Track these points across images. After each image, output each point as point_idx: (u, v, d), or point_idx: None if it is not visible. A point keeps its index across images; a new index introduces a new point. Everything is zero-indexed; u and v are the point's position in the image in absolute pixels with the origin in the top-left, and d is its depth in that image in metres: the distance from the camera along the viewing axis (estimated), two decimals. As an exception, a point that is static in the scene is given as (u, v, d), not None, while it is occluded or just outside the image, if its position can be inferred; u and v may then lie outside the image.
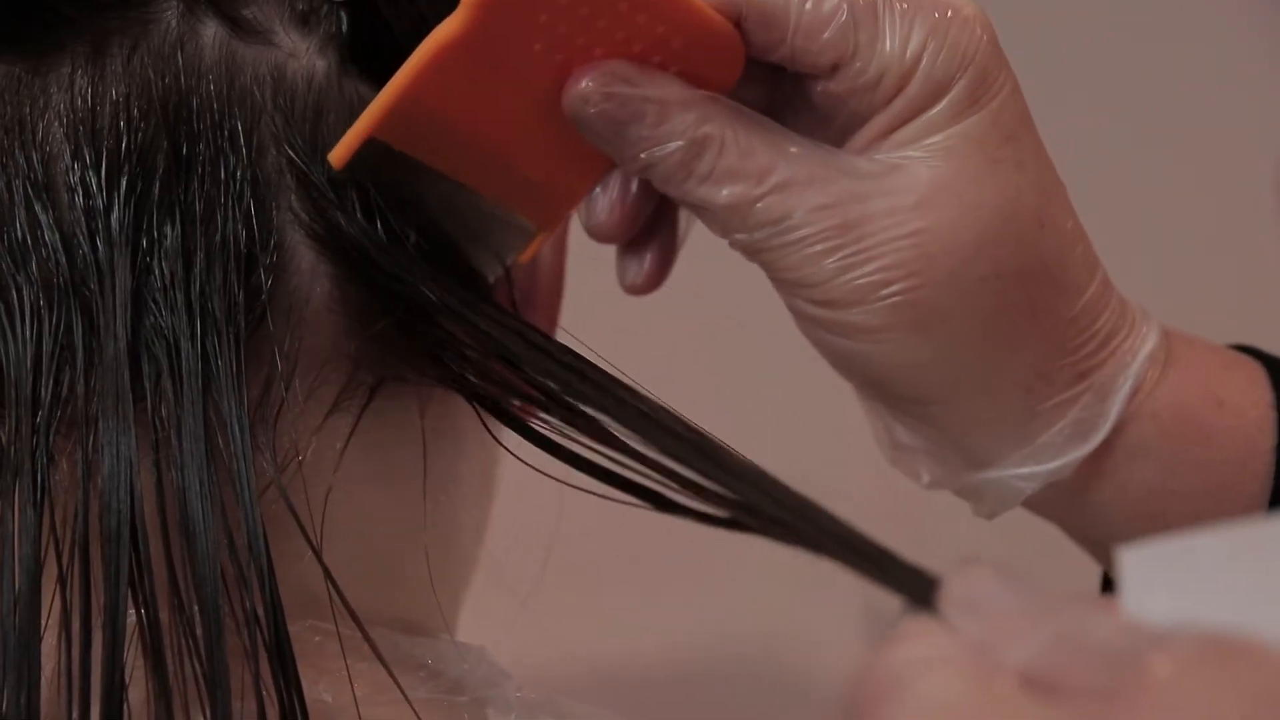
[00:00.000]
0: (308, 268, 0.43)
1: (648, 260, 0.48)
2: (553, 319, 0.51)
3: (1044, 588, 0.31)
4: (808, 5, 0.42)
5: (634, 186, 0.46)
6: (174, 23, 0.43)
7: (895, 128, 0.43)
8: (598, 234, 0.47)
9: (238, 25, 0.43)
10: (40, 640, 0.40)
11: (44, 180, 0.42)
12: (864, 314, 0.43)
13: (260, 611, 0.40)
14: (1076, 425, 0.45)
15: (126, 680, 0.39)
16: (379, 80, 0.44)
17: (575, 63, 0.42)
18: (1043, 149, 0.45)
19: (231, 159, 0.42)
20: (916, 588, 0.33)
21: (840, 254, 0.42)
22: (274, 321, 0.42)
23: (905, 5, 0.42)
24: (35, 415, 0.41)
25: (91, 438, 0.40)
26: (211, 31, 0.43)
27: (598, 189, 0.46)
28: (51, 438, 0.41)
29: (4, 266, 0.41)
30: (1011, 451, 0.46)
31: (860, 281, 0.42)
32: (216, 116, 0.42)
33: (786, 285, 0.44)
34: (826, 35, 0.42)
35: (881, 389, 0.46)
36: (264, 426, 0.42)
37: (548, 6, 0.40)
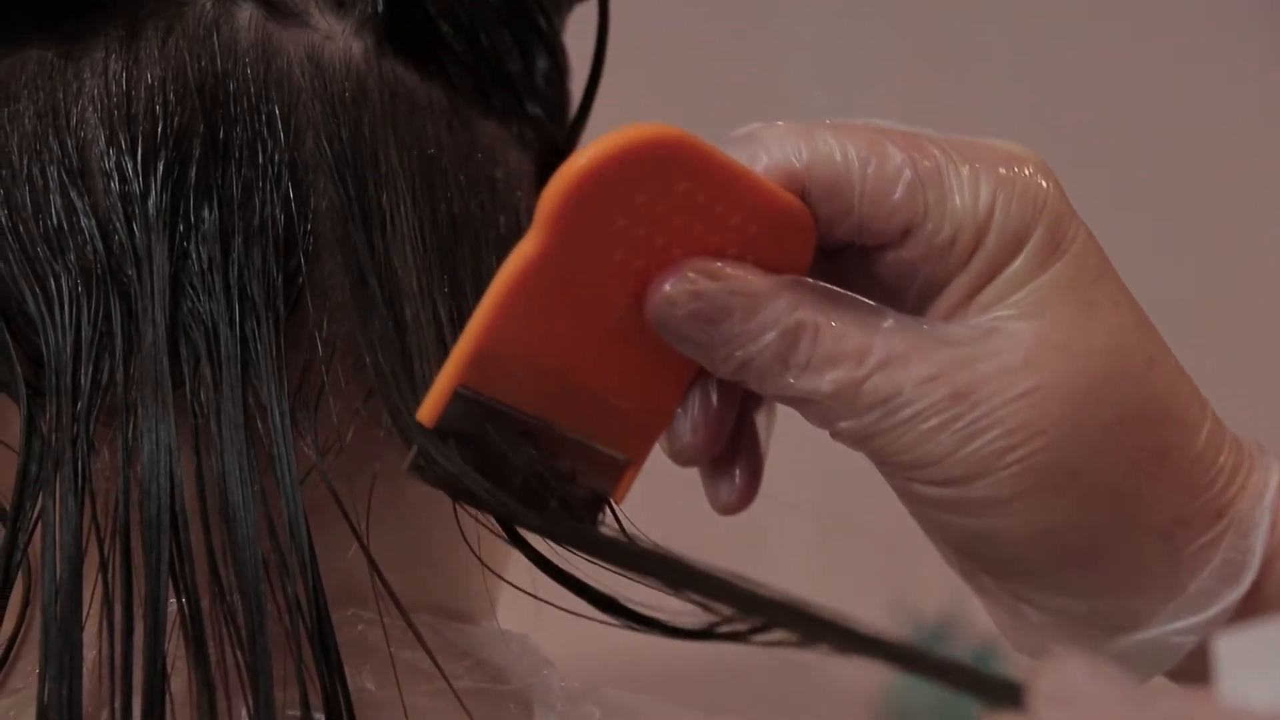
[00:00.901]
0: (330, 254, 0.43)
1: (738, 476, 0.44)
2: None
3: (1136, 678, 0.30)
4: (870, 169, 0.40)
5: (714, 400, 0.43)
6: (209, 6, 0.42)
7: (978, 289, 0.41)
8: (683, 457, 0.44)
9: (273, 7, 0.43)
10: (82, 630, 0.39)
11: (79, 166, 0.41)
12: (990, 485, 0.40)
13: (302, 598, 0.40)
14: (1225, 566, 0.42)
15: (168, 669, 0.39)
16: (416, 61, 0.44)
17: (654, 267, 0.40)
18: (1126, 287, 0.42)
19: (269, 143, 0.42)
20: (1001, 693, 0.32)
21: (957, 425, 0.40)
22: (312, 305, 0.42)
23: (969, 160, 0.41)
24: (75, 403, 0.40)
25: (131, 425, 0.40)
26: (247, 14, 0.42)
27: (678, 410, 0.43)
28: (92, 426, 0.40)
29: (41, 254, 0.41)
30: (1161, 606, 0.43)
31: (983, 451, 0.40)
32: (254, 100, 0.42)
33: (901, 469, 0.41)
34: (896, 197, 0.40)
35: (1012, 566, 0.42)
36: (304, 411, 0.42)
37: (625, 209, 0.38)
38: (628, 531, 0.41)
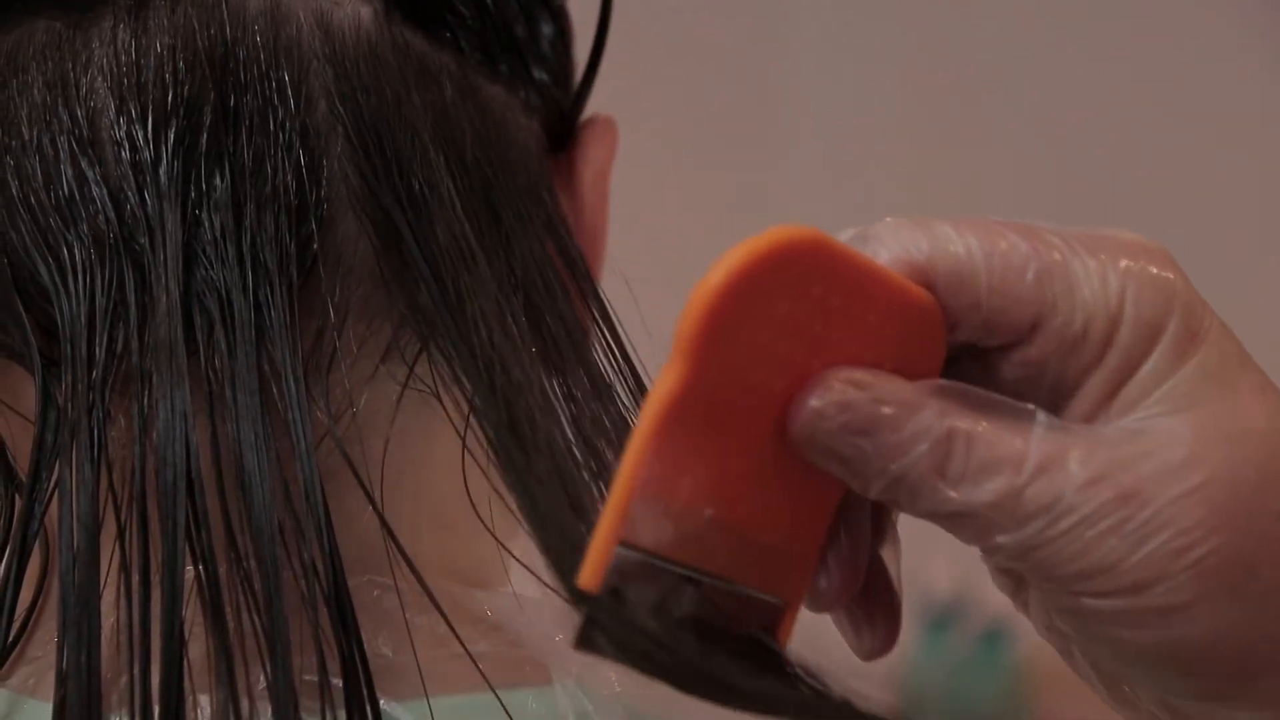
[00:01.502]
0: (355, 217, 0.43)
1: (879, 620, 0.42)
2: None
3: None
4: (995, 259, 0.38)
5: (844, 538, 0.41)
6: None
7: (1117, 387, 0.38)
8: (823, 603, 0.41)
9: None
10: (100, 597, 0.39)
11: (89, 136, 0.41)
12: (1169, 591, 0.37)
13: (319, 562, 0.40)
14: None
15: (186, 636, 0.39)
16: (424, 27, 0.44)
17: (795, 384, 0.37)
18: (1261, 368, 0.40)
19: (280, 111, 0.42)
20: None
21: (1127, 528, 0.37)
22: (326, 271, 0.42)
23: (1093, 251, 0.38)
24: (91, 372, 0.40)
25: (146, 393, 0.40)
26: None
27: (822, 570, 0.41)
28: (108, 395, 0.40)
29: (53, 224, 0.41)
30: None
31: (1157, 554, 0.37)
32: (263, 67, 0.42)
33: (1066, 581, 0.38)
34: (1023, 287, 0.38)
35: (1195, 677, 0.39)
36: (317, 377, 0.42)
37: (766, 322, 0.36)
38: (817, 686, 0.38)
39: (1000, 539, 0.37)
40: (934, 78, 1.61)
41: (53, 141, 0.41)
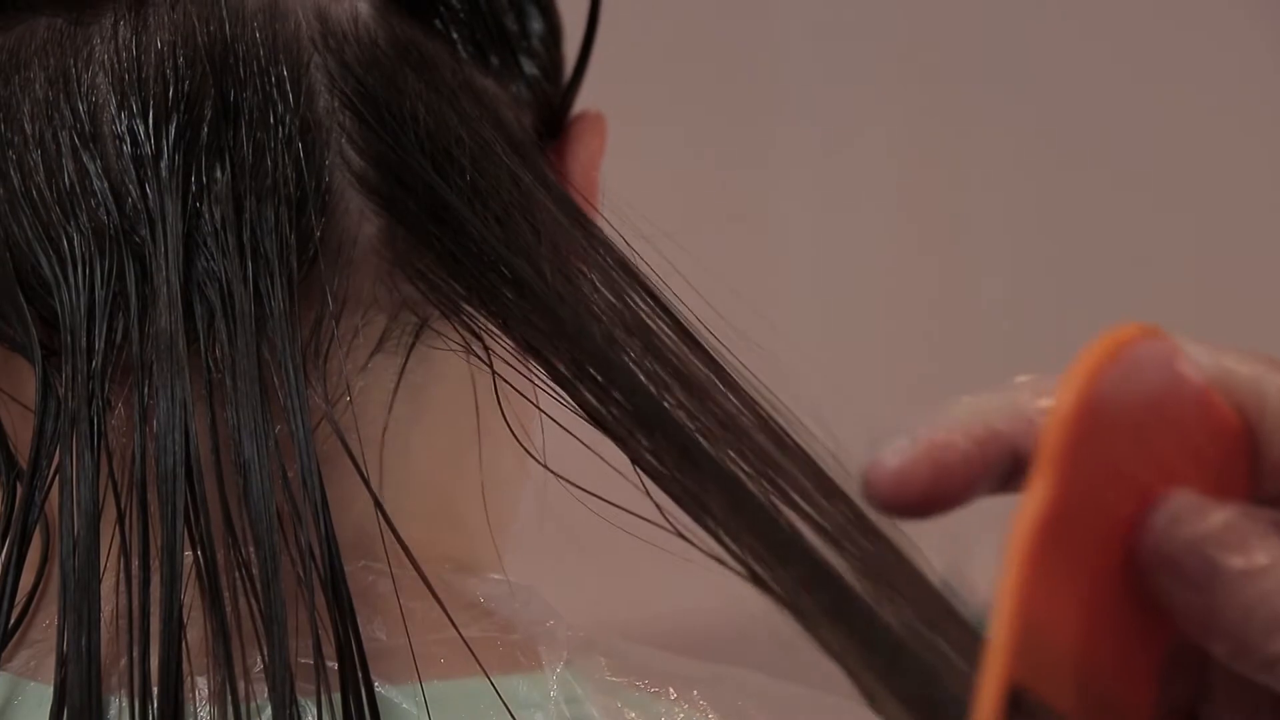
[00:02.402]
0: (355, 209, 0.44)
1: None
2: None
3: None
4: None
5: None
6: None
7: None
8: None
9: None
10: (100, 583, 0.40)
11: (91, 130, 0.42)
12: None
13: (315, 547, 0.40)
14: None
15: (184, 619, 0.40)
16: (420, 20, 0.45)
17: (1140, 504, 0.33)
18: None
19: (279, 105, 0.42)
20: None
21: None
22: (325, 261, 0.43)
23: None
24: (91, 362, 0.41)
25: (147, 382, 0.41)
26: None
27: None
28: (108, 384, 0.41)
29: (54, 217, 0.42)
30: None
31: None
32: (263, 63, 0.42)
33: None
34: None
35: None
36: (314, 365, 0.43)
37: (1123, 431, 0.32)
38: None
39: None
40: (934, 77, 1.61)
41: (54, 136, 0.42)
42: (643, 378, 0.40)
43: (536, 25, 0.49)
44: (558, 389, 0.41)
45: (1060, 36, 1.55)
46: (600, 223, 0.49)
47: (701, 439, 0.39)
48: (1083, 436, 0.31)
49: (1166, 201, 1.49)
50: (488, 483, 0.49)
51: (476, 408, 0.47)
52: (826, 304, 1.54)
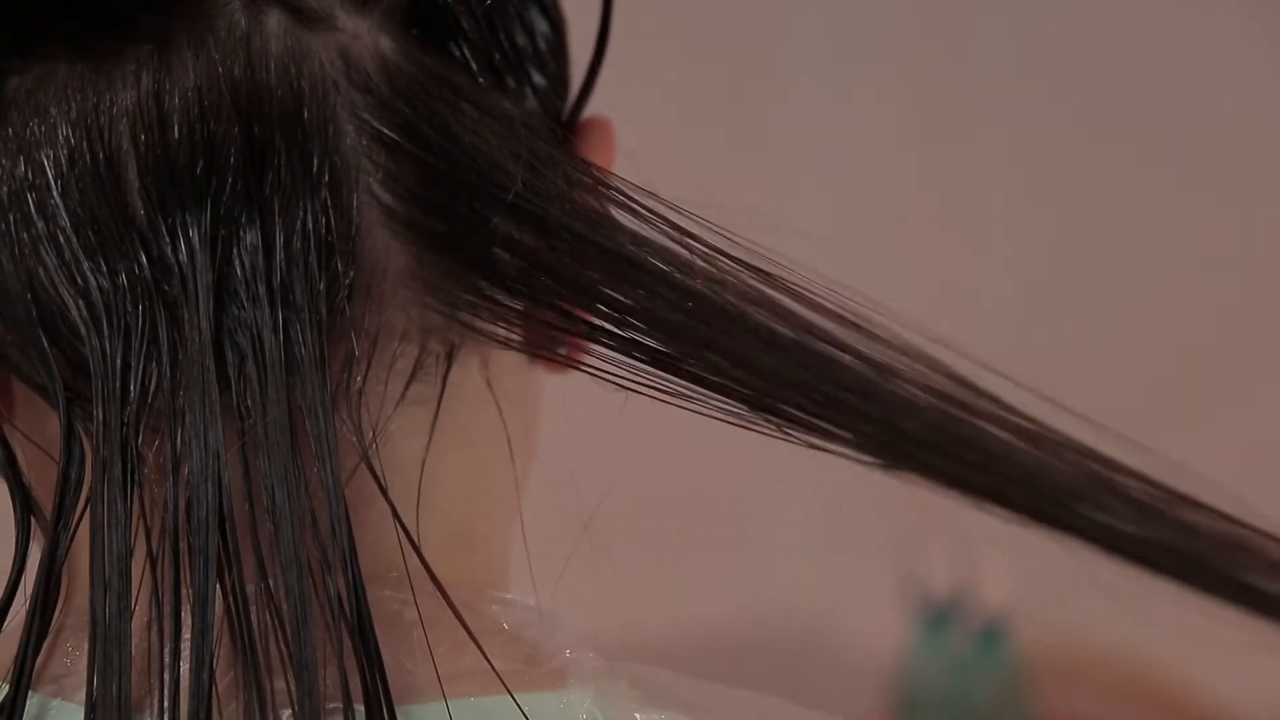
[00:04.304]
0: (383, 245, 0.44)
1: None
2: None
3: None
4: None
5: None
6: (238, 15, 0.43)
7: None
8: None
9: (300, 13, 0.43)
10: (130, 627, 0.40)
11: (114, 178, 0.42)
12: None
13: (343, 592, 0.41)
14: None
15: (215, 667, 0.40)
16: (440, 48, 0.45)
17: None
18: None
19: (307, 148, 0.42)
20: None
21: None
22: (356, 302, 0.43)
23: None
24: (124, 410, 0.41)
25: (179, 430, 0.41)
26: (275, 21, 0.43)
27: None
28: (141, 433, 0.41)
29: (82, 265, 0.42)
30: None
31: None
32: (288, 107, 0.42)
33: None
34: None
35: None
36: (348, 403, 0.43)
37: None
38: None
39: None
40: (933, 81, 1.61)
41: (79, 183, 0.42)
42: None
43: (544, 38, 0.49)
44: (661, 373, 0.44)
45: (1065, 29, 1.55)
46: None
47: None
48: None
49: (1166, 201, 1.49)
50: (505, 503, 0.49)
51: (504, 425, 0.48)
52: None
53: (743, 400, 0.45)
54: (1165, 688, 1.44)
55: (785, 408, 0.45)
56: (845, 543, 1.48)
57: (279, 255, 0.42)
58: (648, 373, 0.45)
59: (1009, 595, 1.55)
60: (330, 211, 0.42)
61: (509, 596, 0.48)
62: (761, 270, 0.45)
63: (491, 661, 0.43)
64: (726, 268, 0.45)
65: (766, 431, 0.45)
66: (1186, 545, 0.41)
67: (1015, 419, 0.47)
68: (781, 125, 1.62)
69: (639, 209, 0.46)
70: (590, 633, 0.48)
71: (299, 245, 0.42)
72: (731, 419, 0.45)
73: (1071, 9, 1.54)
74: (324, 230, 0.42)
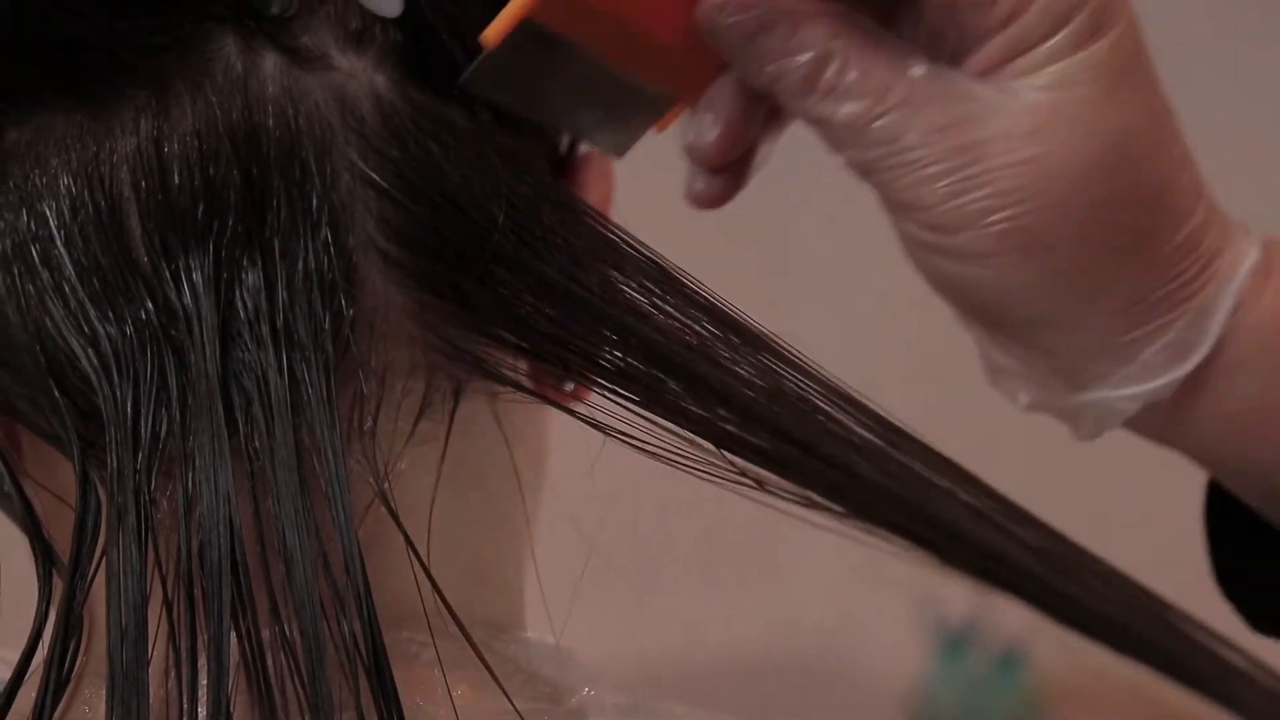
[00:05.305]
0: (384, 285, 0.44)
1: (719, 181, 0.48)
2: None
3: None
4: None
5: (743, 117, 0.47)
6: (234, 59, 0.43)
7: (1013, 55, 0.43)
8: (696, 155, 0.47)
9: (296, 54, 0.43)
10: (148, 674, 0.40)
11: (116, 224, 0.42)
12: (972, 238, 0.43)
13: (358, 634, 0.41)
14: (1177, 345, 0.45)
15: (232, 711, 0.40)
16: (435, 87, 0.45)
17: None
18: (1155, 76, 0.45)
19: (305, 189, 0.42)
20: None
21: (953, 177, 0.42)
22: (360, 341, 0.43)
23: None
24: (136, 457, 0.41)
25: (190, 474, 0.41)
26: (271, 63, 0.43)
27: (709, 113, 0.46)
28: (153, 478, 0.41)
29: (89, 313, 0.42)
30: (1112, 372, 0.46)
31: (971, 206, 0.43)
32: (286, 147, 0.42)
33: (898, 208, 0.44)
34: None
35: (984, 313, 0.46)
36: (359, 442, 0.43)
37: None
38: None
39: (847, 153, 0.44)
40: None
41: (81, 231, 0.42)
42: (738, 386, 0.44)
43: None
44: (645, 412, 0.44)
45: None
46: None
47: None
48: None
49: None
50: (517, 539, 0.49)
51: (514, 461, 0.48)
52: (832, 312, 1.54)
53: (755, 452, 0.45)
54: (1182, 714, 1.44)
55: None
56: (863, 568, 1.48)
57: (281, 295, 0.42)
58: (642, 413, 0.45)
59: (1027, 619, 1.54)
60: (330, 250, 0.42)
61: (526, 634, 0.48)
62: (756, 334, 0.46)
63: (513, 701, 0.43)
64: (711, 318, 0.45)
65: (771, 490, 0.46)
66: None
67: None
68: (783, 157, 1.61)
69: (630, 249, 0.46)
70: (608, 658, 0.48)
71: (300, 285, 0.42)
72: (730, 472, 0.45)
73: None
74: (325, 269, 0.42)
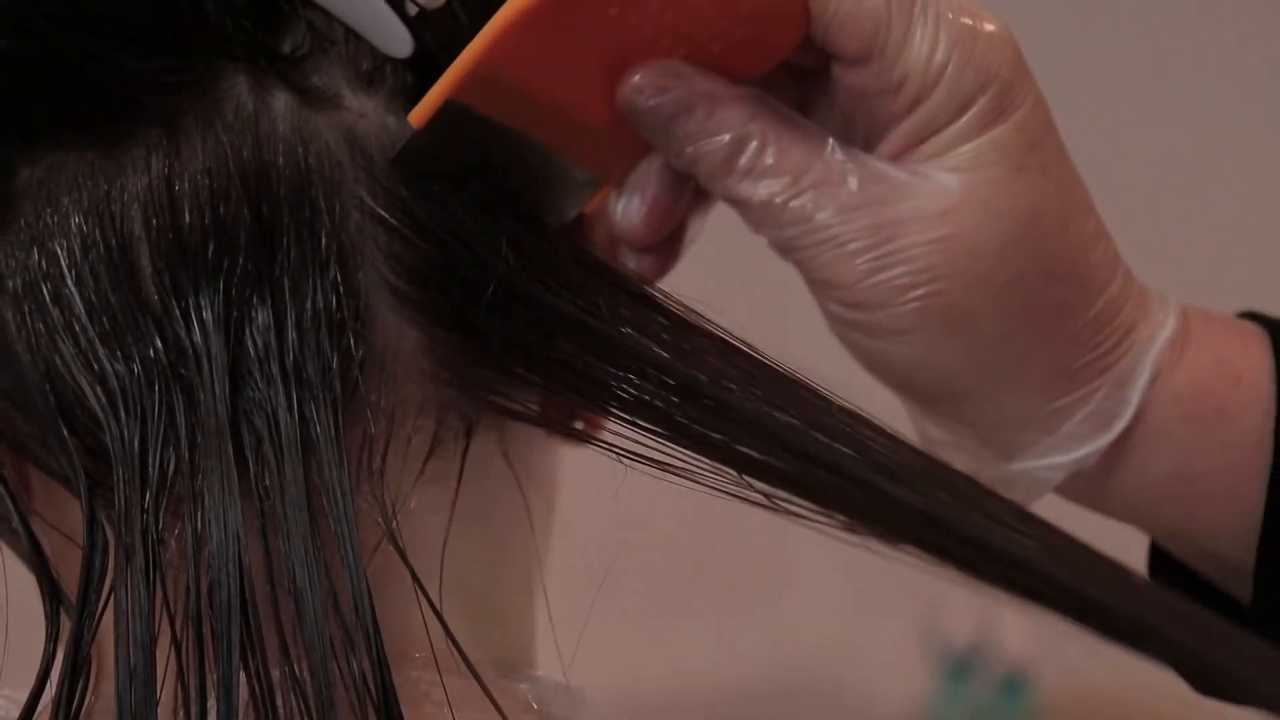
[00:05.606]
0: (394, 322, 0.44)
1: (649, 260, 0.49)
2: None
3: None
4: None
5: (669, 198, 0.48)
6: (244, 98, 0.43)
7: (922, 139, 0.44)
8: (624, 235, 0.49)
9: (307, 94, 0.43)
10: (156, 715, 0.40)
11: (128, 263, 0.42)
12: (892, 315, 0.44)
13: (367, 673, 0.41)
14: (1098, 415, 0.47)
15: None
16: None
17: (647, 23, 0.43)
18: (1065, 153, 0.46)
19: (315, 227, 0.42)
20: None
21: (870, 254, 0.44)
22: (369, 380, 0.43)
23: (938, 14, 0.44)
24: (144, 495, 0.41)
25: (199, 513, 0.41)
26: (282, 103, 0.43)
27: (636, 195, 0.48)
28: (161, 517, 0.41)
29: (99, 351, 0.42)
30: (1037, 442, 0.47)
31: (889, 284, 0.44)
32: (296, 185, 0.42)
33: (818, 286, 0.45)
34: (862, 26, 0.44)
35: (912, 389, 0.47)
36: (369, 481, 0.43)
37: None
38: None
39: (766, 233, 0.45)
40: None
41: (92, 270, 0.42)
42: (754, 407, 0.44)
43: None
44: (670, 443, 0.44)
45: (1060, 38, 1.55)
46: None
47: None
48: None
49: (1164, 200, 1.48)
50: (527, 576, 0.49)
51: (525, 500, 0.48)
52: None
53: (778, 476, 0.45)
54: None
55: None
56: (867, 593, 1.48)
57: (291, 334, 0.42)
58: (659, 446, 0.45)
59: (1031, 644, 1.54)
60: (340, 289, 0.42)
61: (537, 674, 0.48)
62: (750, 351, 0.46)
63: None
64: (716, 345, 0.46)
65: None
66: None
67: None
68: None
69: (633, 285, 0.46)
70: (613, 690, 0.48)
71: (309, 324, 0.42)
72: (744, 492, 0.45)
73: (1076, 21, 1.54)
74: (334, 308, 0.42)
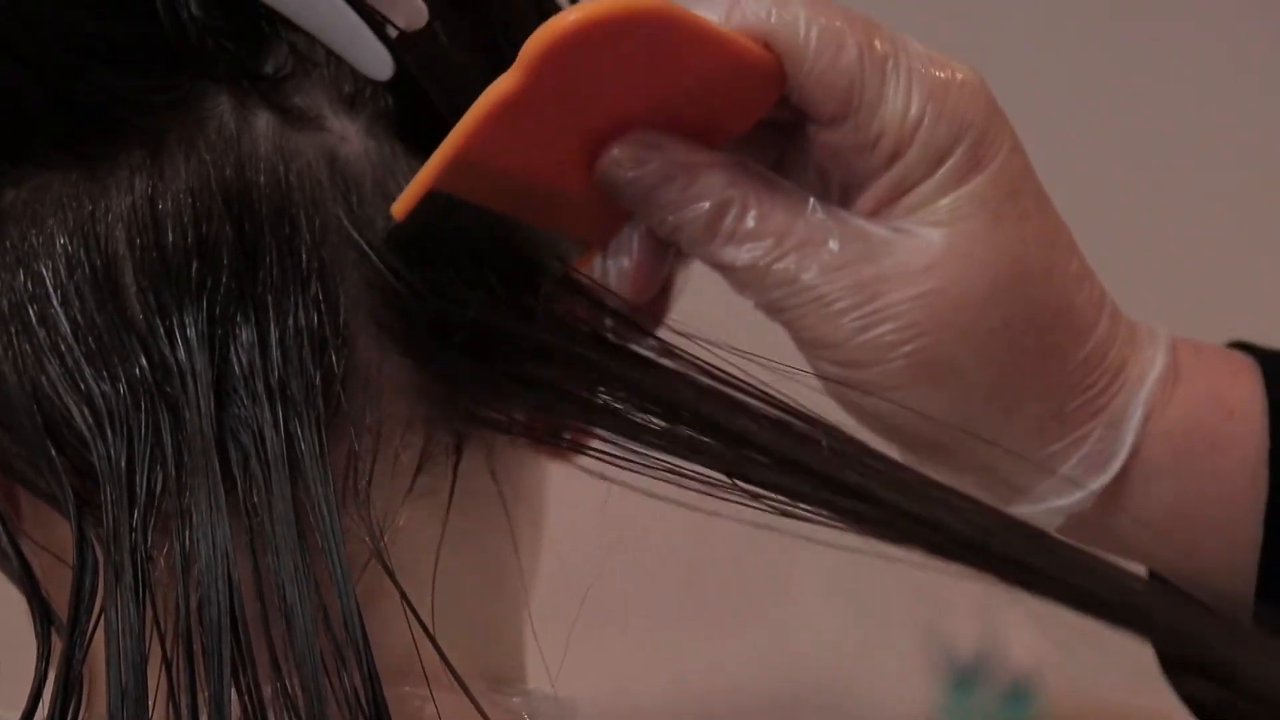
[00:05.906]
0: (376, 340, 0.44)
1: (641, 317, 0.49)
2: None
3: None
4: (825, 55, 0.44)
5: (652, 261, 0.48)
6: (227, 118, 0.43)
7: (900, 194, 0.45)
8: (622, 286, 0.48)
9: (289, 114, 0.44)
10: None
11: (112, 283, 0.42)
12: (883, 372, 0.45)
13: (359, 688, 0.41)
14: (1093, 456, 0.47)
15: None
16: (429, 153, 0.45)
17: (624, 102, 0.43)
18: (1045, 197, 0.46)
19: (296, 246, 0.43)
20: None
21: (857, 313, 0.44)
22: (353, 397, 0.43)
23: (913, 71, 0.44)
24: (132, 514, 0.41)
25: (187, 531, 0.41)
26: (264, 122, 0.43)
27: (621, 259, 0.48)
28: (150, 536, 0.41)
29: (85, 371, 0.42)
30: (1034, 486, 0.47)
31: (876, 341, 0.44)
32: (277, 203, 0.43)
33: (809, 346, 0.46)
34: (838, 84, 0.44)
35: (903, 439, 0.47)
36: (355, 499, 0.43)
37: (598, 70, 0.42)
38: None
39: (752, 296, 0.45)
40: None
41: (78, 290, 0.42)
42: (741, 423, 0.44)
43: None
44: (657, 453, 0.44)
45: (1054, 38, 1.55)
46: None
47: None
48: (562, 59, 0.40)
49: (1161, 201, 1.48)
50: (518, 592, 0.49)
51: (508, 517, 0.48)
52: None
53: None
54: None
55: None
56: (870, 602, 1.47)
57: (274, 352, 0.42)
58: (646, 460, 0.45)
59: (1036, 654, 1.54)
60: (321, 306, 0.43)
61: (528, 687, 0.48)
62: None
63: None
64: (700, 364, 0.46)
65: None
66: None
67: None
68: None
69: (613, 310, 0.47)
70: (605, 702, 0.48)
71: (292, 341, 0.42)
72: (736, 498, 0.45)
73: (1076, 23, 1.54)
74: (316, 325, 0.42)
